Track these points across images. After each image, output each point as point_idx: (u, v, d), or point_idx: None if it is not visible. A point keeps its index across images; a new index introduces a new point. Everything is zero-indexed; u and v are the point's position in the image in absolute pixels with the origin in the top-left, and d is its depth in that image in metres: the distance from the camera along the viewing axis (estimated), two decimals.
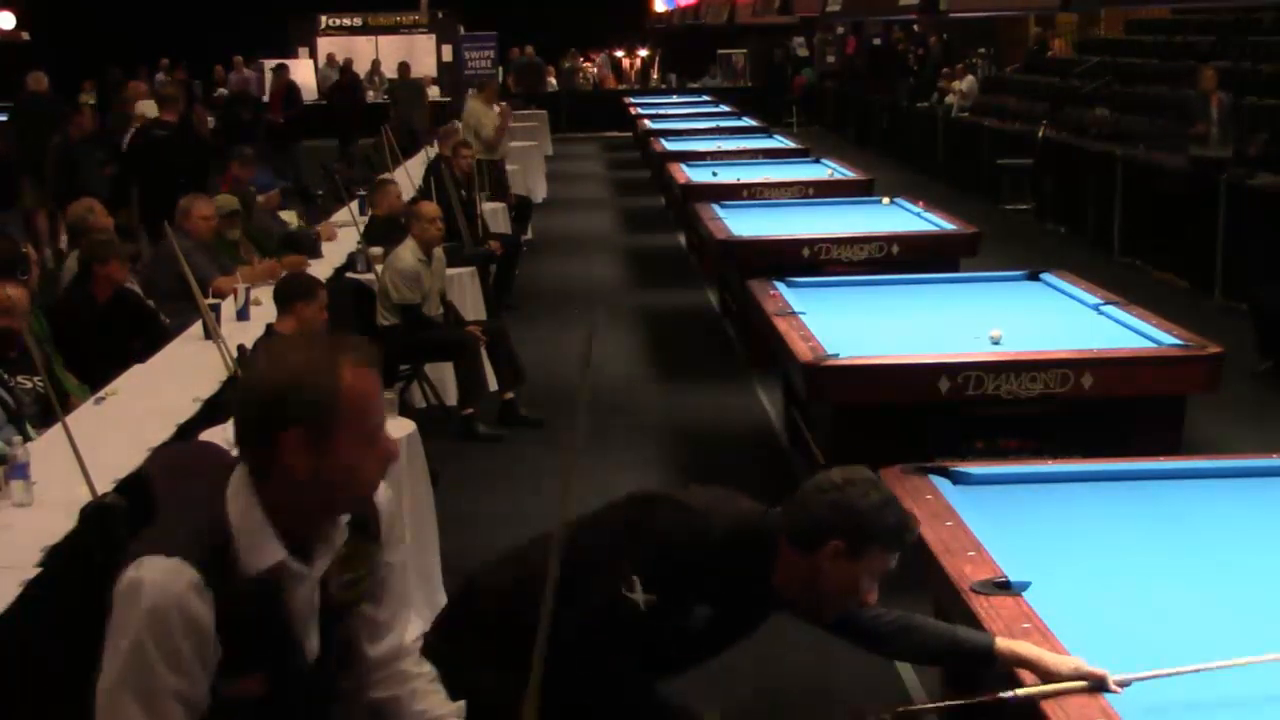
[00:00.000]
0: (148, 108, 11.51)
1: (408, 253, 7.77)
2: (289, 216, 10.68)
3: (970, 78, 21.07)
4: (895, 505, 2.86)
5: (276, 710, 2.19)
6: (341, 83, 22.43)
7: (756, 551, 2.86)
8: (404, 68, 21.62)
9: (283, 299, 6.01)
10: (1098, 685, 2.75)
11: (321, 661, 2.24)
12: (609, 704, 2.89)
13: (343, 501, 2.17)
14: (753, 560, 2.87)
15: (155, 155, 10.74)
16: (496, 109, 13.95)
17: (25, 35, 24.71)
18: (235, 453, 2.18)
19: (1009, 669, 2.85)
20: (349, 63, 24.37)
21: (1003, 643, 2.89)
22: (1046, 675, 2.79)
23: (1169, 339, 5.72)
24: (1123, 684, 2.75)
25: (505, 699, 2.45)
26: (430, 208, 8.12)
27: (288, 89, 20.13)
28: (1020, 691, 2.77)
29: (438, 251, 7.97)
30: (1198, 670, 2.77)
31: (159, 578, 2.05)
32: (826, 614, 2.93)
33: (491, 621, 2.95)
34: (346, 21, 30.15)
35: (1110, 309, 6.37)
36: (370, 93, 25.38)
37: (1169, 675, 2.77)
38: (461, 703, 2.43)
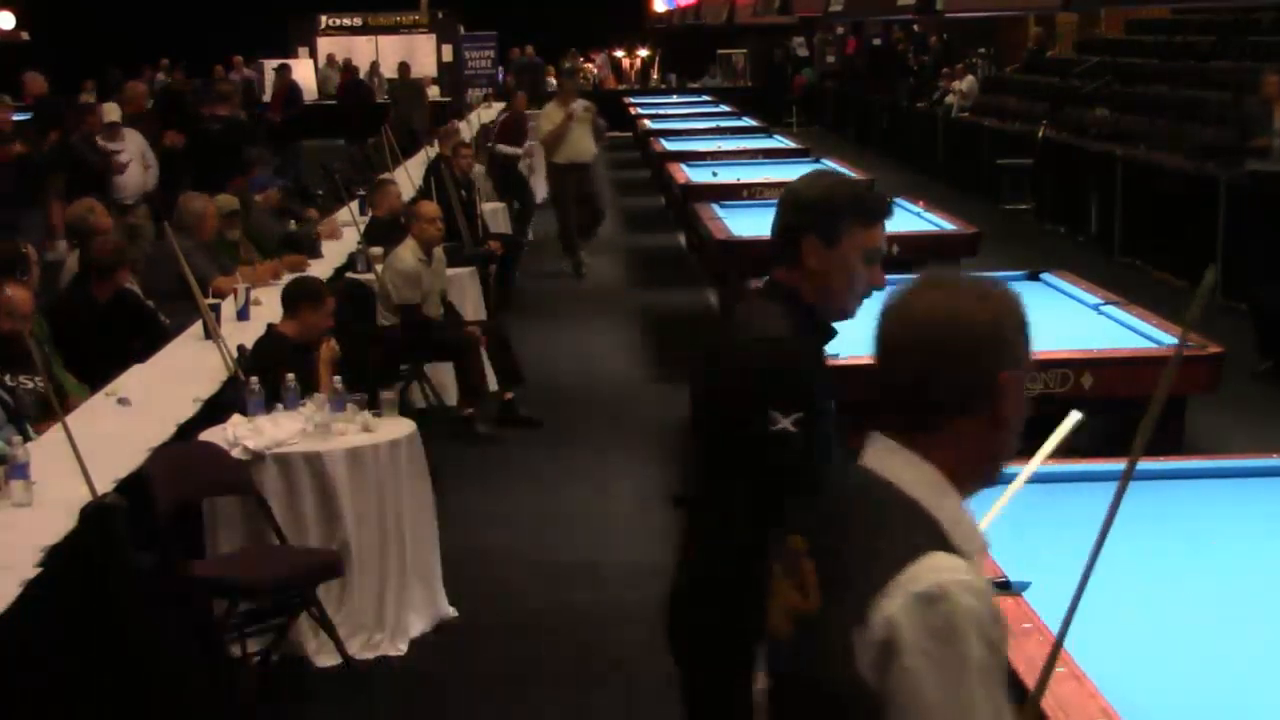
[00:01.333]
0: (110, 111, 11.52)
1: (408, 253, 7.77)
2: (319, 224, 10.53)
3: (970, 78, 21.07)
4: (848, 181, 2.89)
5: None
6: (346, 83, 22.49)
7: (794, 300, 2.83)
8: (404, 68, 21.62)
9: (290, 301, 6.02)
10: None
11: None
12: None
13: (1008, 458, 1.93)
14: (799, 310, 2.82)
15: (208, 146, 11.66)
16: (564, 110, 12.73)
17: (25, 35, 24.70)
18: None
19: None
20: (348, 62, 24.37)
21: None
22: None
23: (1169, 339, 5.72)
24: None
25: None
26: (430, 208, 8.12)
27: (289, 89, 20.17)
28: None
29: (438, 251, 7.97)
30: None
31: (960, 578, 1.72)
32: (850, 309, 2.86)
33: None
34: (346, 21, 30.15)
35: (1110, 309, 6.36)
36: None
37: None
38: None
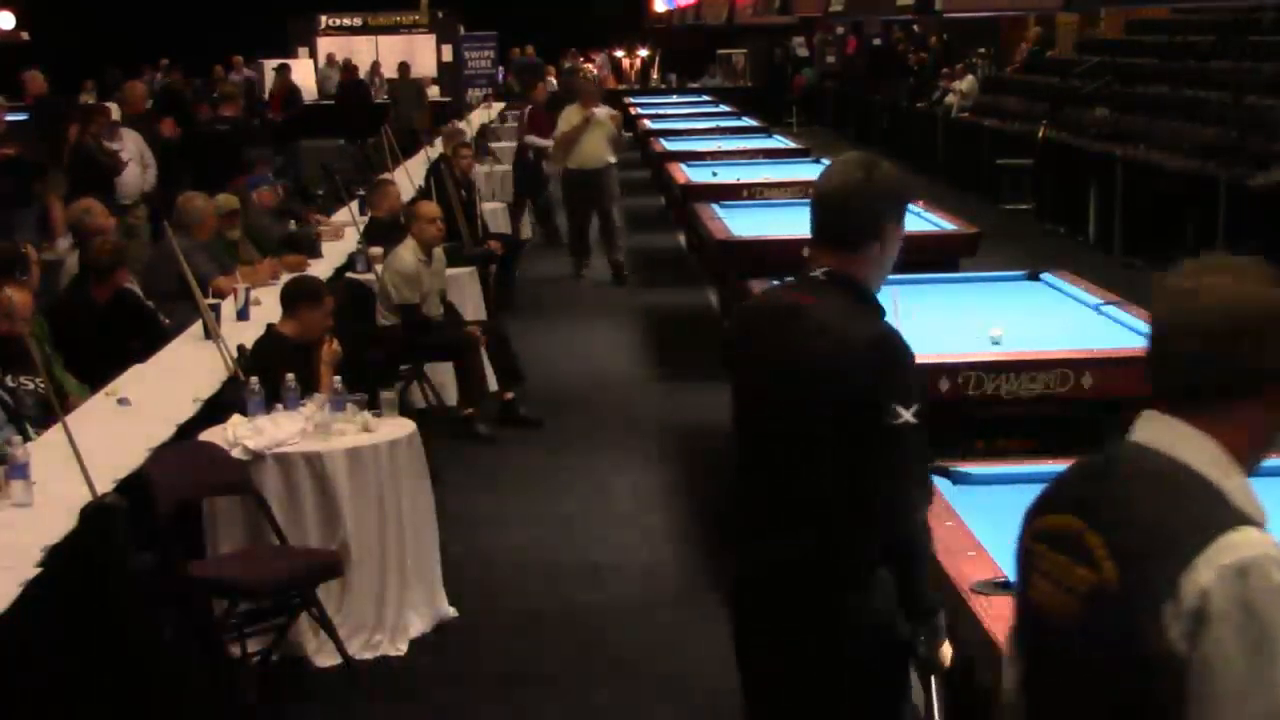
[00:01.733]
0: (109, 110, 11.67)
1: (407, 253, 7.77)
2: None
3: (970, 78, 21.07)
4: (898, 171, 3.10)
5: None
6: (345, 83, 22.51)
7: (860, 288, 2.95)
8: (404, 68, 21.62)
9: (288, 300, 6.02)
10: None
11: None
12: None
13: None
14: (867, 298, 2.96)
15: (214, 147, 11.81)
16: (584, 113, 12.23)
17: (25, 35, 24.69)
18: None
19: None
20: (348, 62, 24.37)
21: (945, 618, 2.99)
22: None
23: None
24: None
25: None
26: (430, 208, 8.12)
27: (289, 89, 20.18)
28: None
29: (438, 251, 7.97)
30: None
31: (1271, 553, 1.76)
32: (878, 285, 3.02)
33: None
34: (346, 21, 30.15)
35: (1110, 309, 6.36)
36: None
37: None
38: None
